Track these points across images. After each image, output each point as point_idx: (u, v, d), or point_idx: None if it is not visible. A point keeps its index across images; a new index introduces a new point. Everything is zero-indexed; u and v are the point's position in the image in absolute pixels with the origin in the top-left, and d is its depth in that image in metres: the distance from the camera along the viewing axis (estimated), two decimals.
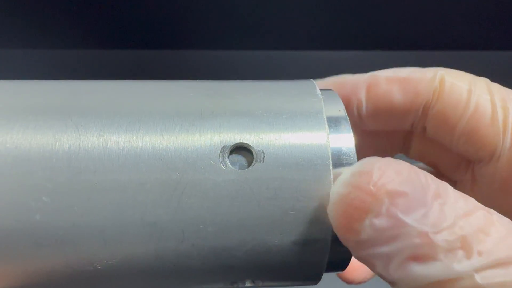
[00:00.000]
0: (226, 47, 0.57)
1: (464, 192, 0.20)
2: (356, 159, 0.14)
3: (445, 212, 0.12)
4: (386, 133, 0.21)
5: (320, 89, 0.16)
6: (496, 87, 0.18)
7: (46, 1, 0.51)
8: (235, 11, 0.53)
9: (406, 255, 0.12)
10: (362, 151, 0.21)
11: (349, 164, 0.14)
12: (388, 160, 0.13)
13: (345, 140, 0.14)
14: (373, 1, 0.51)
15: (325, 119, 0.14)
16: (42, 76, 0.16)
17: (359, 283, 0.23)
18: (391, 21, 0.53)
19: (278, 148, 0.14)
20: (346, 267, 0.15)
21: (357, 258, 0.13)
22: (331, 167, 0.13)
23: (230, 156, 0.14)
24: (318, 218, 0.13)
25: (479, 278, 0.11)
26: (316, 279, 0.15)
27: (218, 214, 0.13)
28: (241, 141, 0.14)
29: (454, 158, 0.20)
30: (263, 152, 0.13)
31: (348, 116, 0.17)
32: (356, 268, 0.23)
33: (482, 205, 0.13)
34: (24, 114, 0.13)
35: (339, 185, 0.13)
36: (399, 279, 0.12)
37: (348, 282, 0.23)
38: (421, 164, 0.22)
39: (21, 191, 0.13)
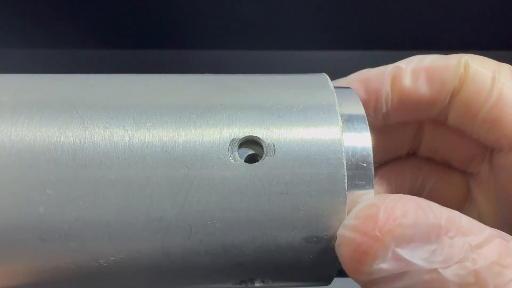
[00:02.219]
0: (226, 47, 0.56)
1: (480, 184, 0.20)
2: (372, 160, 0.14)
3: (455, 246, 0.12)
4: (396, 129, 0.20)
5: (338, 87, 0.15)
6: None
7: (46, 1, 0.51)
8: (235, 11, 0.53)
9: None
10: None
11: (364, 165, 0.13)
12: (394, 199, 0.13)
13: (362, 139, 0.14)
14: (373, 1, 0.51)
15: (338, 112, 0.14)
16: None
17: None
18: (392, 21, 0.53)
19: (289, 142, 0.13)
20: None
21: None
22: (344, 162, 0.13)
23: (240, 149, 0.13)
24: (331, 214, 0.13)
25: None
26: (329, 279, 0.15)
27: (226, 209, 0.13)
28: (251, 134, 0.13)
29: (470, 149, 0.20)
30: (273, 146, 0.13)
31: (377, 112, 0.17)
32: None
33: (498, 232, 0.13)
34: (29, 106, 0.13)
35: (344, 228, 0.13)
36: None
37: None
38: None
39: (25, 183, 0.12)
